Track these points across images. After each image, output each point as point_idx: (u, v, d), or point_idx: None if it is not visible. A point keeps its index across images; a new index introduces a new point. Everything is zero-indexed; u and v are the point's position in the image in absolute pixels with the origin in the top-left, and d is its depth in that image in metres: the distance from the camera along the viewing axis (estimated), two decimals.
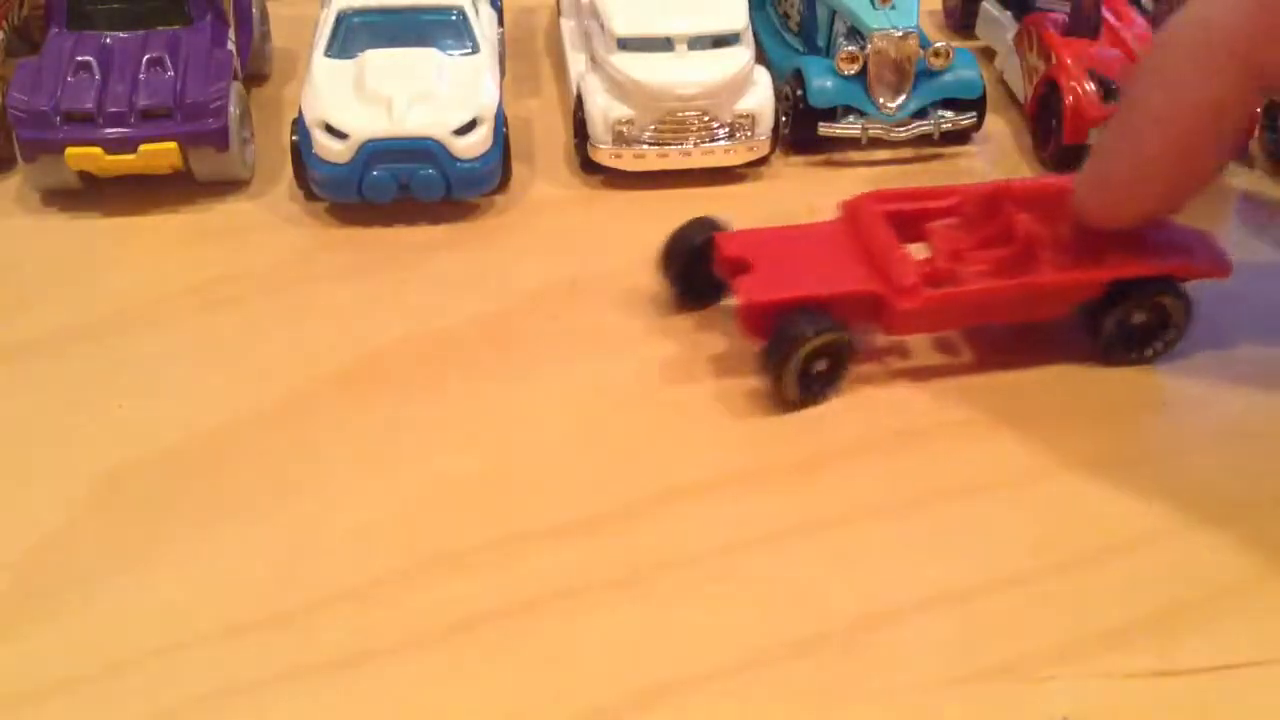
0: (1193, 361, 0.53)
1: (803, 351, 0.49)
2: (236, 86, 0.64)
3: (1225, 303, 0.55)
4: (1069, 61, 0.65)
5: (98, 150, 0.61)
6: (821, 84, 0.66)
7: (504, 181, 0.64)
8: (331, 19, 0.65)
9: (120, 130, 0.61)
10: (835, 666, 0.41)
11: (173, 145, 0.61)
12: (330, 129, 0.60)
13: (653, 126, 0.64)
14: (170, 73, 0.62)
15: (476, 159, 0.61)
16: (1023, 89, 0.70)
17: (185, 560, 0.45)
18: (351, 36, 0.64)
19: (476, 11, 0.67)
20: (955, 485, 0.48)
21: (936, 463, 0.49)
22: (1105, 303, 0.52)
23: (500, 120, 0.63)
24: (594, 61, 0.67)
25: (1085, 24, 0.67)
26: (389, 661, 0.41)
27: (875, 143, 0.67)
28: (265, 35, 0.75)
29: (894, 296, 0.50)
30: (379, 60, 0.63)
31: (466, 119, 0.61)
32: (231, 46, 0.66)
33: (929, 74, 0.67)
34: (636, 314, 0.56)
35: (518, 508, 0.47)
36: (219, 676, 0.41)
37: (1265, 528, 0.46)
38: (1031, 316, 0.53)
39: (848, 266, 0.52)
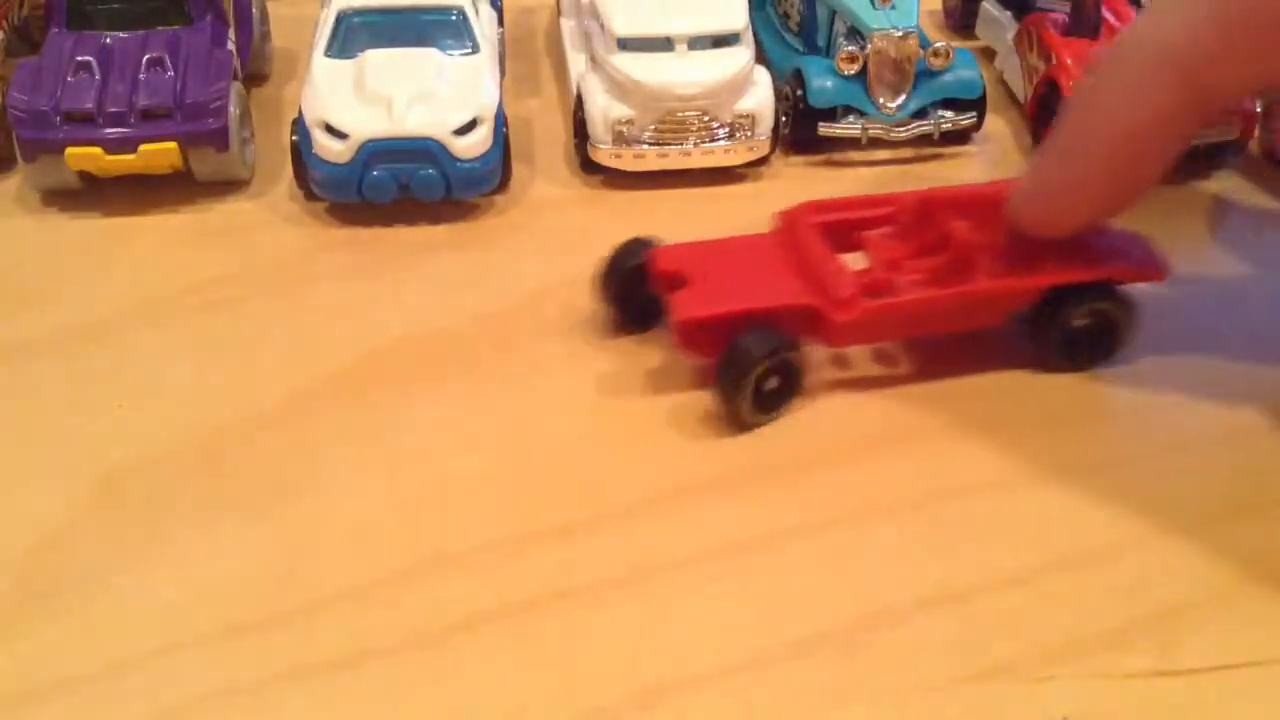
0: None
1: (755, 373, 0.48)
2: (236, 86, 0.64)
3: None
4: (1069, 61, 0.65)
5: (98, 150, 0.61)
6: (821, 84, 0.66)
7: (504, 181, 0.64)
8: (331, 19, 0.65)
9: (120, 130, 0.61)
10: (835, 666, 0.41)
11: (173, 145, 0.61)
12: (330, 129, 0.60)
13: (653, 126, 0.64)
14: (170, 73, 0.62)
15: (476, 159, 0.61)
16: (1023, 89, 0.70)
17: (185, 560, 0.45)
18: (351, 36, 0.64)
19: (476, 11, 0.67)
20: (954, 485, 0.48)
21: (932, 464, 0.49)
22: (1043, 309, 0.52)
23: (500, 120, 0.63)
24: (594, 61, 0.67)
25: (1085, 24, 0.67)
26: (389, 661, 0.41)
27: (875, 143, 0.67)
28: (265, 35, 0.75)
29: (831, 309, 0.49)
30: (379, 60, 0.63)
31: (466, 119, 0.61)
32: (231, 46, 0.66)
33: (929, 74, 0.67)
34: None
35: (518, 508, 0.47)
36: (219, 676, 0.41)
37: (1264, 528, 0.46)
38: (969, 325, 0.52)
39: (784, 279, 0.51)
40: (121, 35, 0.64)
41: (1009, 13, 0.73)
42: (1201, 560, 0.45)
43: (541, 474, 0.48)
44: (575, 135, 0.66)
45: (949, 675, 0.41)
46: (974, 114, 0.68)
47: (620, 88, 0.64)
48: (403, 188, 0.61)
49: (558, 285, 0.57)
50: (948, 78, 0.67)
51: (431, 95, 0.61)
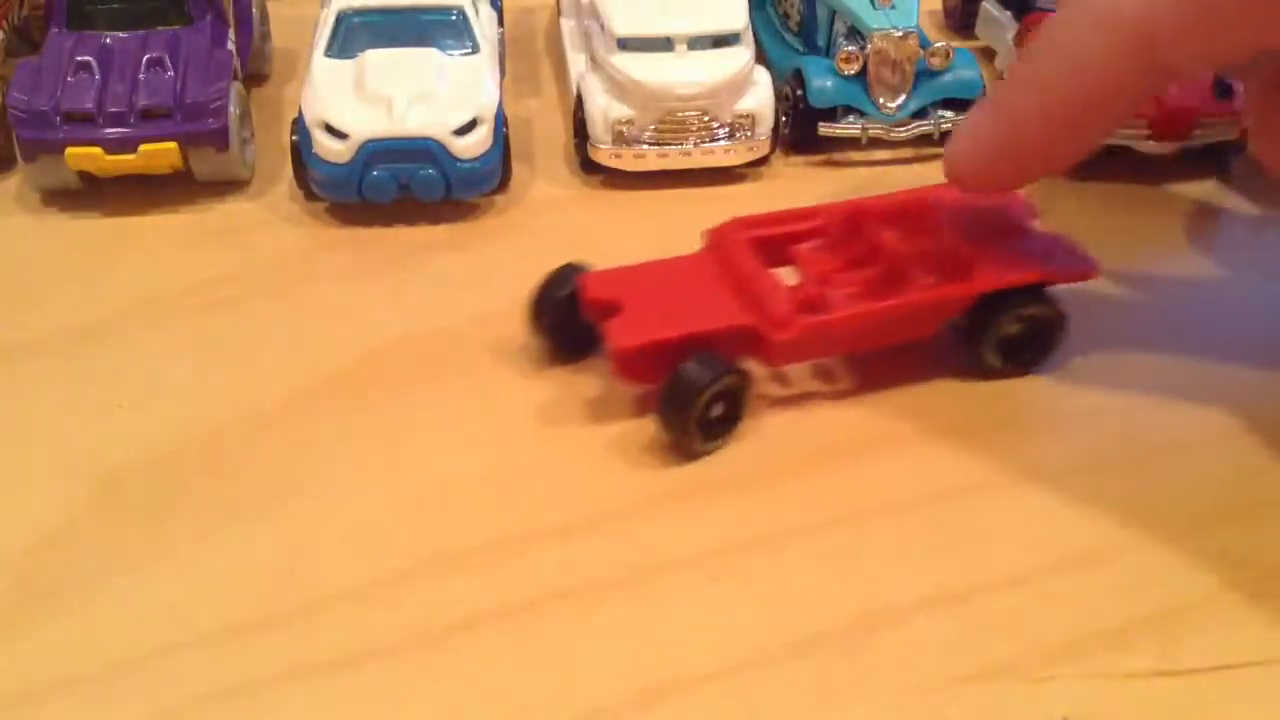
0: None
1: (700, 402, 0.47)
2: (236, 86, 0.64)
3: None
4: None
5: (98, 150, 0.61)
6: (821, 84, 0.66)
7: (504, 181, 0.64)
8: (331, 19, 0.65)
9: (120, 130, 0.61)
10: (835, 666, 0.41)
11: (173, 145, 0.61)
12: (330, 129, 0.60)
13: (653, 126, 0.64)
14: (170, 73, 0.62)
15: (476, 159, 0.61)
16: None
17: (185, 560, 0.45)
18: (351, 36, 0.64)
19: (476, 11, 0.67)
20: (946, 488, 0.48)
21: (919, 466, 0.49)
22: (975, 316, 0.51)
23: (500, 120, 0.63)
24: (594, 61, 0.67)
25: None
26: (389, 661, 0.41)
27: (875, 143, 0.67)
28: (265, 35, 0.75)
29: (769, 328, 0.49)
30: (379, 60, 0.63)
31: (466, 119, 0.61)
32: (231, 46, 0.66)
33: (929, 74, 0.67)
34: None
35: (518, 507, 0.47)
36: (219, 676, 0.41)
37: (1263, 529, 0.46)
38: (907, 336, 0.51)
39: (719, 300, 0.50)
40: (121, 35, 0.64)
41: (1009, 13, 0.73)
42: (1201, 561, 0.45)
43: (541, 474, 0.48)
44: (575, 135, 0.66)
45: (949, 675, 0.41)
46: None
47: (620, 88, 0.64)
48: (403, 188, 0.61)
49: None
50: (948, 78, 0.67)
51: (431, 95, 0.61)
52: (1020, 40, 0.70)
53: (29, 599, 0.43)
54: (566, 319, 0.52)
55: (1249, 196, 0.65)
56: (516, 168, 0.65)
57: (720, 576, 0.44)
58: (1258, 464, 0.49)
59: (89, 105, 0.61)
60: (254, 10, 0.72)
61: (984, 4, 0.76)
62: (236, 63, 0.66)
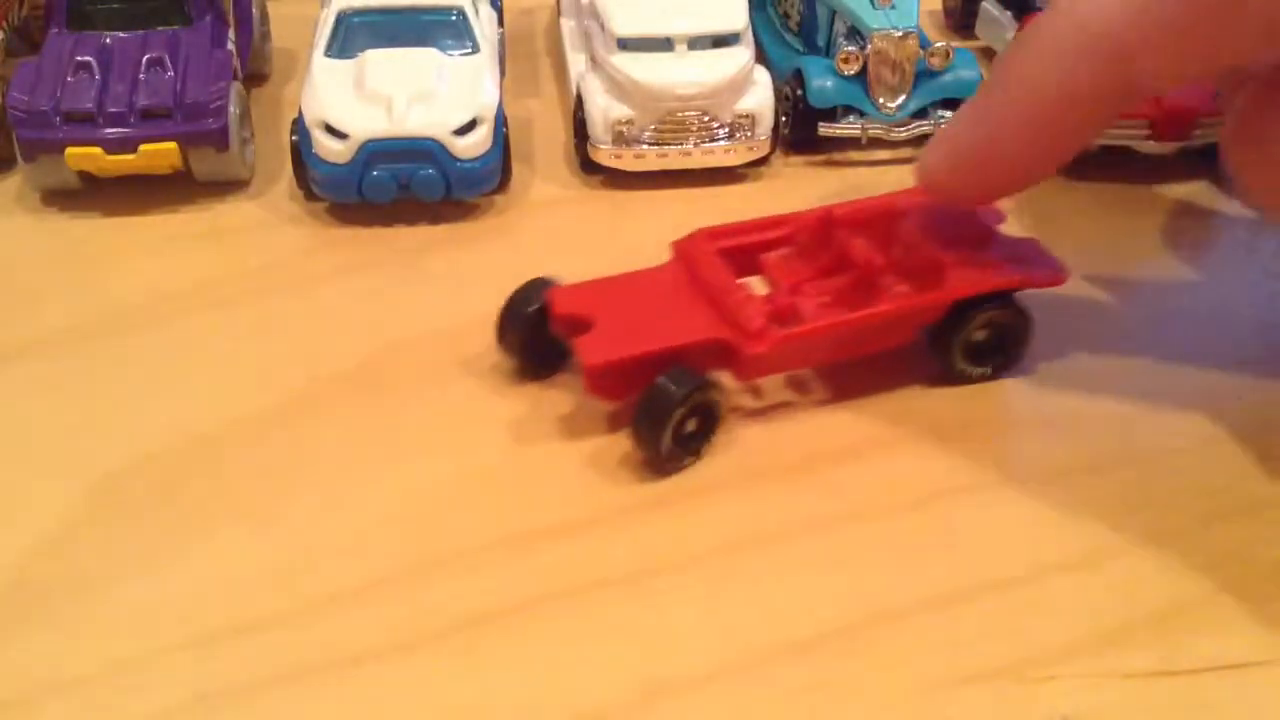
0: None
1: (673, 420, 0.47)
2: (236, 86, 0.64)
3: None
4: None
5: (98, 150, 0.61)
6: (821, 84, 0.66)
7: (504, 181, 0.64)
8: (331, 19, 0.65)
9: (120, 130, 0.61)
10: (835, 666, 0.41)
11: (173, 145, 0.61)
12: (330, 129, 0.60)
13: (653, 126, 0.64)
14: (170, 73, 0.62)
15: (476, 159, 0.61)
16: None
17: (185, 560, 0.45)
18: (351, 36, 0.64)
19: (476, 11, 0.67)
20: (944, 488, 0.48)
21: (916, 468, 0.49)
22: (945, 323, 0.51)
23: (500, 120, 0.63)
24: (594, 61, 0.67)
25: None
26: (389, 661, 0.41)
27: (875, 143, 0.67)
28: (265, 35, 0.75)
29: (743, 341, 0.48)
30: (379, 60, 0.63)
31: (466, 119, 0.61)
32: (231, 46, 0.66)
33: (929, 74, 0.67)
34: None
35: (518, 507, 0.47)
36: (219, 676, 0.41)
37: (1265, 529, 0.46)
38: (883, 345, 0.51)
39: (690, 313, 0.49)
40: (121, 35, 0.64)
41: (1009, 13, 0.73)
42: (1201, 561, 0.45)
43: (542, 474, 0.48)
44: (575, 135, 0.66)
45: (949, 675, 0.41)
46: None
47: (620, 88, 0.64)
48: (403, 188, 0.61)
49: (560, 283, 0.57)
50: (948, 78, 0.67)
51: (431, 95, 0.61)
52: None
53: (29, 599, 0.43)
54: (536, 335, 0.51)
55: (1211, 198, 0.65)
56: (516, 168, 0.65)
57: (720, 576, 0.44)
58: (1256, 464, 0.49)
59: (89, 105, 0.61)
60: (254, 10, 0.72)
61: (984, 4, 0.76)
62: (236, 63, 0.66)
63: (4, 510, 0.47)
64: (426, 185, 0.61)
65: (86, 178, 0.63)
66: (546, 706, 0.40)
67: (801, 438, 0.50)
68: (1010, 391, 0.52)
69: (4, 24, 0.70)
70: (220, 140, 0.62)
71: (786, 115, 0.67)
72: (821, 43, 0.70)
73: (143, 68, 0.62)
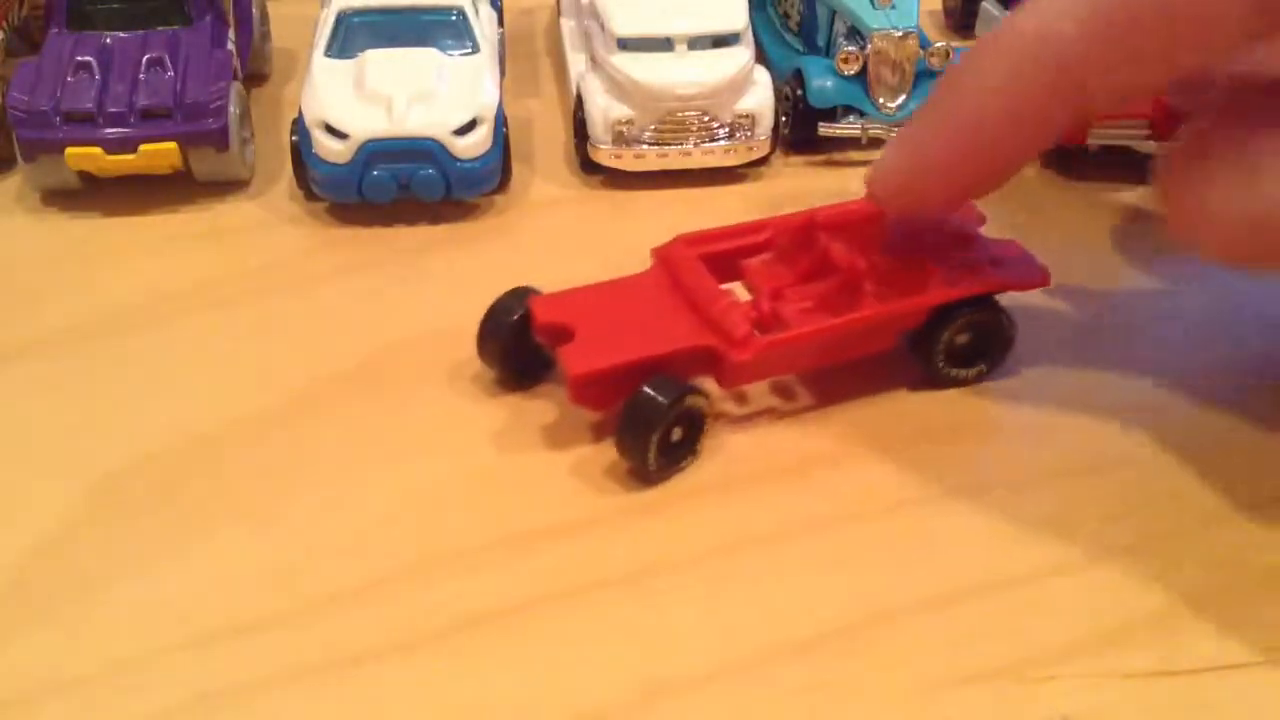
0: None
1: (658, 430, 0.46)
2: (236, 86, 0.64)
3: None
4: None
5: (98, 150, 0.61)
6: (821, 84, 0.66)
7: (504, 181, 0.64)
8: (331, 19, 0.65)
9: (120, 130, 0.61)
10: (835, 666, 0.41)
11: (173, 145, 0.61)
12: (330, 129, 0.60)
13: (653, 126, 0.64)
14: (170, 73, 0.62)
15: (476, 159, 0.61)
16: None
17: (185, 560, 0.45)
18: (351, 36, 0.64)
19: (476, 11, 0.67)
20: (943, 489, 0.48)
21: (918, 469, 0.49)
22: (927, 327, 0.51)
23: (500, 120, 0.63)
24: (594, 61, 0.67)
25: None
26: (389, 661, 0.41)
27: (875, 143, 0.67)
28: (265, 35, 0.75)
29: (728, 348, 0.48)
30: (379, 60, 0.63)
31: (466, 119, 0.61)
32: (231, 46, 0.66)
33: (929, 74, 0.67)
34: None
35: (518, 507, 0.47)
36: (219, 676, 0.41)
37: (1264, 529, 0.46)
38: (866, 350, 0.51)
39: (674, 320, 0.49)
40: (121, 35, 0.64)
41: (1009, 13, 0.73)
42: (1201, 561, 0.45)
43: (542, 473, 0.48)
44: (575, 135, 0.66)
45: (949, 675, 0.41)
46: None
47: (620, 88, 0.64)
48: (403, 188, 0.61)
49: (557, 285, 0.57)
50: None
51: (431, 95, 0.61)
52: None
53: (29, 599, 0.43)
54: (517, 344, 0.51)
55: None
56: (516, 168, 0.65)
57: (720, 576, 0.44)
58: (1254, 464, 0.49)
59: (89, 105, 0.61)
60: (254, 10, 0.72)
61: (984, 4, 0.76)
62: (236, 63, 0.66)
63: (4, 510, 0.47)
64: (426, 185, 0.61)
65: (86, 178, 0.63)
66: (546, 706, 0.40)
67: (792, 442, 0.50)
68: (999, 394, 0.52)
69: (4, 24, 0.70)
70: (220, 140, 0.62)
71: (786, 115, 0.67)
72: (821, 43, 0.70)
73: (143, 68, 0.62)
